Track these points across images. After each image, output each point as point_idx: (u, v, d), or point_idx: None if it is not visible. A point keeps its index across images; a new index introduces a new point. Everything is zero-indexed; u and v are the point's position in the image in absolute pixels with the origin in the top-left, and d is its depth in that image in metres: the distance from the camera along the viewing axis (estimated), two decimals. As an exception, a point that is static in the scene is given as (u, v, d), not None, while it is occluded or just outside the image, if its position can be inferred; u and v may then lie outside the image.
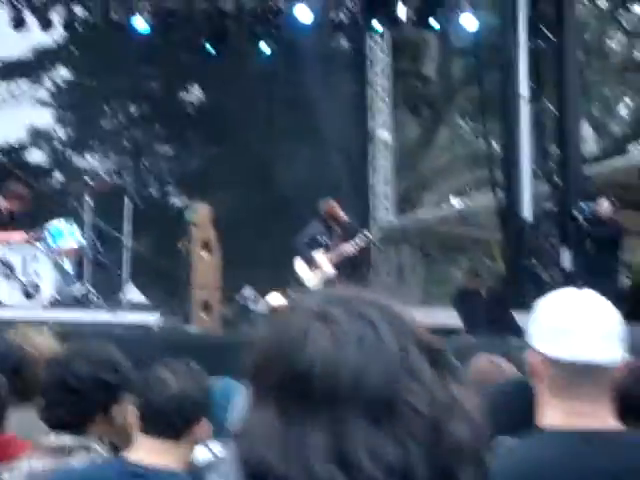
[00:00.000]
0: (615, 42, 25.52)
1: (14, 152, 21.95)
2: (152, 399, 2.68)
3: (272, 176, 18.75)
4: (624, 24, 23.32)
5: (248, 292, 22.28)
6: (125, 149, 22.93)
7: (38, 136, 23.22)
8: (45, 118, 23.36)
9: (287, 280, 15.18)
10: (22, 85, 22.10)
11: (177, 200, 22.67)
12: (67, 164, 22.95)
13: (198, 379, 2.77)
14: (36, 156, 23.22)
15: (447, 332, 9.57)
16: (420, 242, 17.38)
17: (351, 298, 1.16)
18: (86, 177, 10.30)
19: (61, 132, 23.69)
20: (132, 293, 11.32)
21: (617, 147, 22.24)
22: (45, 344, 3.96)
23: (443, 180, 20.90)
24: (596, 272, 11.33)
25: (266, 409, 1.11)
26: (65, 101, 23.07)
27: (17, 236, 9.61)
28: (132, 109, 23.00)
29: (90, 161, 23.23)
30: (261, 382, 1.14)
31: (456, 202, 18.05)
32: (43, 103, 23.04)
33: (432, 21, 13.37)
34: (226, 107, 19.90)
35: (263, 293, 21.59)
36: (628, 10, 22.40)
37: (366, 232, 12.12)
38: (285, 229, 18.52)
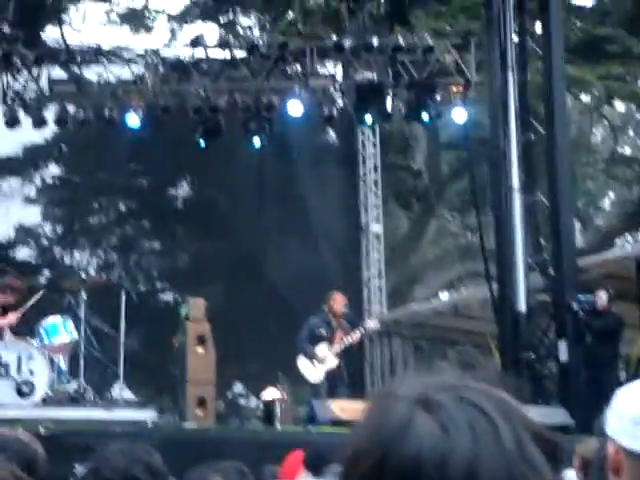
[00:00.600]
0: (599, 136, 25.94)
1: (2, 249, 21.90)
2: None
3: (262, 270, 18.72)
4: (607, 119, 23.72)
5: (238, 388, 22.13)
6: (113, 245, 22.90)
7: (26, 233, 23.21)
8: (33, 215, 23.39)
9: (277, 375, 15.02)
10: (12, 182, 22.17)
11: (166, 295, 22.57)
12: (55, 261, 22.89)
13: None
14: (24, 253, 23.16)
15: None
16: (412, 335, 17.30)
17: (454, 384, 1.09)
18: (80, 273, 10.27)
19: (49, 229, 23.70)
20: (123, 390, 11.17)
21: (603, 240, 22.38)
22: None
23: (433, 273, 20.92)
24: (595, 365, 11.26)
25: None
26: (53, 198, 23.13)
27: (10, 318, 9.56)
28: (121, 205, 23.06)
29: (78, 258, 23.19)
30: (356, 475, 1.07)
31: (445, 296, 18.08)
32: (32, 200, 23.08)
33: (423, 115, 13.53)
34: (215, 201, 19.98)
35: (253, 388, 21.43)
36: (611, 105, 22.79)
37: (368, 322, 12.39)
38: (276, 323, 18.44)
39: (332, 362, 11.78)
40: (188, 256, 22.29)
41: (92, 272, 14.91)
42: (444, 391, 1.07)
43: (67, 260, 23.05)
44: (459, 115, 13.56)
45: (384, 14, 17.62)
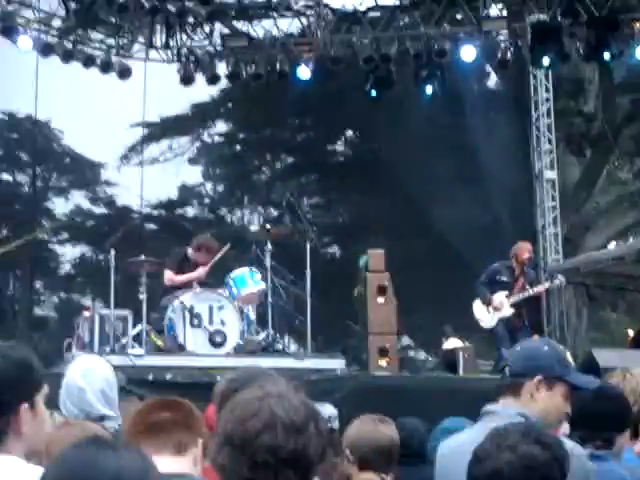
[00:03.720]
0: None
1: (173, 208, 22.42)
2: None
3: (431, 221, 18.50)
4: None
5: (406, 340, 22.08)
6: (279, 201, 23.09)
7: (192, 192, 23.65)
8: (199, 174, 23.82)
9: (444, 327, 14.81)
10: (180, 142, 22.60)
11: (332, 249, 22.64)
12: (222, 217, 23.28)
13: None
14: (191, 211, 23.64)
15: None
16: (590, 283, 16.76)
17: None
18: (267, 224, 10.34)
19: (214, 187, 24.08)
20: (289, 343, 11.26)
21: None
22: None
23: (604, 221, 20.25)
24: None
25: None
26: (219, 156, 23.44)
27: (200, 272, 9.73)
28: (285, 160, 23.20)
29: (242, 214, 23.52)
30: None
31: (614, 245, 17.45)
32: (197, 159, 23.48)
33: (605, 54, 12.94)
34: (381, 153, 19.81)
35: (421, 340, 21.32)
36: None
37: (560, 277, 12.05)
38: (445, 275, 18.20)
39: (507, 311, 11.49)
40: (353, 209, 22.26)
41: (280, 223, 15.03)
42: None
43: (232, 217, 23.42)
44: (640, 53, 12.95)
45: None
